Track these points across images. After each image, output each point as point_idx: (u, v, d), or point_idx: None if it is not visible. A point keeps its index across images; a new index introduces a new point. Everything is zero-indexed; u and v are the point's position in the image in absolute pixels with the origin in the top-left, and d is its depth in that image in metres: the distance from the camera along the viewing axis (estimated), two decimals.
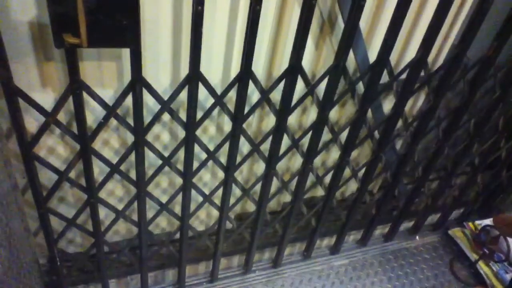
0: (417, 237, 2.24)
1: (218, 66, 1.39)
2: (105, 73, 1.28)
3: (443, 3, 1.31)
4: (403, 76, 1.50)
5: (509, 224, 1.97)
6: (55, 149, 1.40)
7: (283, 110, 1.38)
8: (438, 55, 1.73)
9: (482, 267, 2.07)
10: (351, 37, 1.25)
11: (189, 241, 1.67)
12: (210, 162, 1.47)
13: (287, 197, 2.00)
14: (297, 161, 1.89)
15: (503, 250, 2.03)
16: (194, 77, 1.17)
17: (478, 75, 1.60)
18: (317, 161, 1.95)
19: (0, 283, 0.99)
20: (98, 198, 1.39)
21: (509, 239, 2.00)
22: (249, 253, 1.86)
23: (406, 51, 1.65)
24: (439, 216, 2.27)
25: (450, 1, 1.30)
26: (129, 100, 1.19)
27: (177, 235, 1.64)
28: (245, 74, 1.22)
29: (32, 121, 1.26)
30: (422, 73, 1.50)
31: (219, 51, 1.35)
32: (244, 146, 1.66)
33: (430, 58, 1.64)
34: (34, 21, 1.09)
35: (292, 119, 1.71)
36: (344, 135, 1.60)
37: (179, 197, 1.51)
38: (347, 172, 1.73)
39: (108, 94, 1.31)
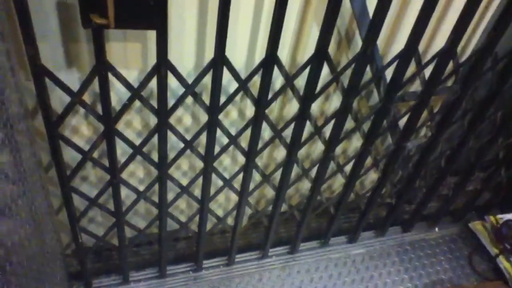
0: (436, 229, 2.22)
1: (243, 50, 1.37)
2: (130, 54, 1.28)
3: None
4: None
5: None
6: (79, 128, 1.41)
7: (308, 97, 1.36)
8: (466, 46, 1.69)
9: (502, 261, 2.04)
10: (378, 28, 1.23)
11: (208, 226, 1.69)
12: (231, 147, 1.47)
13: (306, 185, 2.00)
14: (318, 148, 1.87)
15: None
16: (220, 61, 1.17)
17: (507, 67, 1.55)
18: (338, 149, 1.93)
19: (26, 260, 1.01)
20: (120, 178, 1.41)
21: None
22: (267, 238, 1.87)
23: (433, 40, 1.61)
24: (459, 209, 2.24)
25: None
26: (153, 82, 1.19)
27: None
28: (270, 59, 1.21)
29: (57, 101, 1.27)
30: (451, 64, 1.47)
31: (245, 35, 1.34)
32: (266, 132, 1.65)
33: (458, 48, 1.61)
34: (62, 0, 1.09)
35: (315, 106, 1.69)
36: (367, 124, 1.58)
37: (199, 180, 1.52)
38: (368, 161, 1.71)
39: (133, 75, 1.31)
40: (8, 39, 1.02)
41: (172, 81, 1.26)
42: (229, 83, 1.42)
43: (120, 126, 1.44)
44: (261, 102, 1.31)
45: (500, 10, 1.39)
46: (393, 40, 1.56)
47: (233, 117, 1.58)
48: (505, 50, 1.54)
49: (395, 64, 1.38)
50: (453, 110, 1.61)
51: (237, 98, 1.51)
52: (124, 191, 1.56)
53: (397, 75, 1.39)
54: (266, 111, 1.39)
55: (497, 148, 1.95)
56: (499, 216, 2.21)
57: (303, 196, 2.02)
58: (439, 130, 1.68)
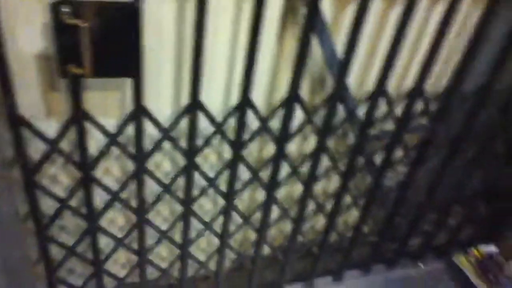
0: (421, 265, 2.21)
1: (219, 94, 1.42)
2: (109, 102, 1.31)
3: (440, 32, 1.34)
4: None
5: None
6: (58, 177, 1.41)
7: (282, 138, 1.39)
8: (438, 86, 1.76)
9: None
10: (347, 69, 1.28)
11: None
12: (212, 192, 1.49)
13: (289, 226, 2.00)
14: (298, 189, 1.89)
15: (510, 276, 2.00)
16: (194, 106, 1.20)
17: (476, 104, 1.61)
18: (320, 189, 1.95)
19: None
20: (98, 226, 1.40)
21: None
22: (250, 282, 1.84)
23: (404, 80, 1.68)
24: (443, 244, 2.24)
25: (446, 30, 1.33)
26: (131, 129, 1.21)
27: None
28: (244, 102, 1.25)
29: (35, 149, 1.28)
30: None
31: (221, 80, 1.39)
32: (245, 174, 1.67)
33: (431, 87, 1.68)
34: (40, 52, 1.13)
35: (293, 147, 1.72)
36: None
37: (181, 226, 1.51)
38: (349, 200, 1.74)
39: (112, 123, 1.33)
40: None
41: (150, 127, 1.28)
42: (207, 127, 1.44)
43: (99, 173, 1.45)
44: (237, 145, 1.34)
45: (464, 51, 1.47)
46: (365, 81, 1.62)
47: (213, 160, 1.60)
48: (473, 88, 1.60)
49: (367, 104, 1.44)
50: (426, 147, 1.66)
51: (215, 141, 1.55)
52: (104, 240, 1.55)
53: (368, 115, 1.44)
54: (244, 153, 1.41)
55: (474, 182, 1.99)
56: (482, 248, 2.22)
57: (286, 238, 2.01)
58: (415, 167, 1.71)
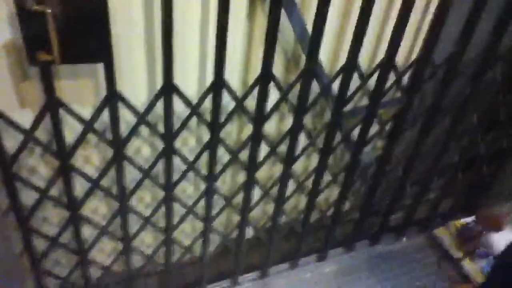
0: (404, 239, 2.26)
1: (194, 77, 1.42)
2: (83, 90, 1.31)
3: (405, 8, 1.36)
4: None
5: (490, 218, 2.00)
6: (37, 169, 1.41)
7: (259, 118, 1.41)
8: (409, 58, 1.79)
9: (467, 264, 2.09)
10: (318, 43, 1.30)
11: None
12: (193, 176, 1.50)
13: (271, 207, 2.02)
14: (279, 168, 1.91)
15: (487, 245, 2.06)
16: (168, 89, 1.21)
17: (447, 74, 1.64)
18: (300, 168, 1.98)
19: None
20: (80, 215, 1.40)
21: (491, 234, 2.04)
22: (236, 265, 1.86)
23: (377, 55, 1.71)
24: (424, 217, 2.30)
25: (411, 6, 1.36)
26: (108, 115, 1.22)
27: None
28: (218, 83, 1.26)
29: (11, 141, 1.28)
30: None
31: (195, 63, 1.39)
32: (225, 156, 1.68)
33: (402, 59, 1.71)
34: (9, 41, 1.12)
35: (272, 127, 1.74)
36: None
37: (164, 211, 1.52)
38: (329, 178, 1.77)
39: (88, 111, 1.33)
40: None
41: (127, 113, 1.28)
42: (185, 111, 1.45)
43: (79, 162, 1.45)
44: (214, 126, 1.35)
45: (432, 21, 1.49)
46: (338, 56, 1.64)
47: (192, 144, 1.61)
48: (443, 57, 1.63)
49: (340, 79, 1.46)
50: (401, 119, 1.69)
51: (194, 125, 1.56)
52: (88, 230, 1.55)
53: (342, 90, 1.46)
54: (223, 135, 1.43)
55: (451, 153, 2.03)
56: (461, 220, 2.28)
57: (270, 219, 2.03)
58: (391, 140, 1.75)
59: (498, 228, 2.01)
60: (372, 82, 1.56)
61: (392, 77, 1.58)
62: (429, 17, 1.70)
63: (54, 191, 1.38)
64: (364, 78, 1.52)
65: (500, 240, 1.98)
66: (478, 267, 2.07)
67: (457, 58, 1.59)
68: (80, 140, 1.25)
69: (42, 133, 1.32)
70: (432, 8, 1.65)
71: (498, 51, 1.67)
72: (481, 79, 1.72)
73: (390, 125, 1.73)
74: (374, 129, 1.71)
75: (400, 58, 1.77)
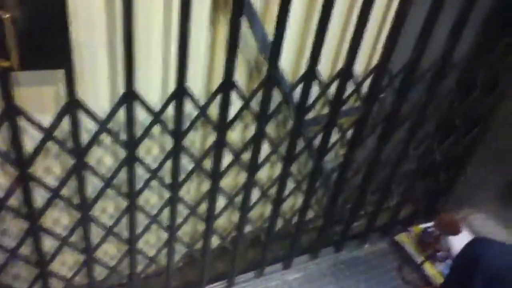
0: (366, 245, 2.31)
1: (157, 85, 1.43)
2: (45, 98, 1.29)
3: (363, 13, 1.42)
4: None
5: (447, 223, 2.08)
6: None
7: (221, 126, 1.43)
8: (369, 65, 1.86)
9: (428, 268, 2.16)
10: (278, 51, 1.34)
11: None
12: (157, 184, 1.50)
13: (236, 216, 2.03)
14: (243, 177, 1.93)
15: (446, 249, 2.14)
16: (129, 96, 1.21)
17: (404, 82, 1.71)
18: (264, 177, 2.00)
19: None
20: (40, 226, 1.38)
21: (449, 237, 2.12)
22: (202, 274, 1.86)
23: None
24: (385, 224, 2.36)
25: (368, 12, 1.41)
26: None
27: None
28: (180, 91, 1.27)
29: None
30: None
31: (158, 70, 1.40)
32: (190, 165, 1.69)
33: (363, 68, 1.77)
34: None
35: (236, 136, 1.76)
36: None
37: (128, 221, 1.51)
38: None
39: (49, 119, 1.31)
40: None
41: (89, 122, 1.27)
42: (147, 118, 1.45)
43: (39, 172, 1.42)
44: (177, 134, 1.36)
45: (390, 29, 1.56)
46: (299, 66, 1.69)
47: (155, 153, 1.61)
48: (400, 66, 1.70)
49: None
50: (360, 127, 1.74)
51: (157, 133, 1.56)
52: (50, 242, 1.52)
53: (302, 98, 1.50)
54: (187, 143, 1.44)
55: (410, 160, 2.10)
56: (421, 226, 2.35)
57: (235, 228, 2.04)
58: (352, 148, 1.80)
59: (456, 232, 2.09)
60: (333, 90, 1.61)
61: (353, 86, 1.64)
62: (388, 26, 1.77)
63: (13, 201, 1.35)
64: (324, 87, 1.56)
65: (458, 243, 2.06)
66: (438, 270, 2.15)
67: (413, 67, 1.66)
68: (40, 148, 1.23)
69: (0, 142, 1.30)
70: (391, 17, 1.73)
71: (452, 59, 1.75)
72: (437, 87, 1.80)
73: (351, 133, 1.79)
74: (336, 137, 1.77)
75: (361, 67, 1.85)
